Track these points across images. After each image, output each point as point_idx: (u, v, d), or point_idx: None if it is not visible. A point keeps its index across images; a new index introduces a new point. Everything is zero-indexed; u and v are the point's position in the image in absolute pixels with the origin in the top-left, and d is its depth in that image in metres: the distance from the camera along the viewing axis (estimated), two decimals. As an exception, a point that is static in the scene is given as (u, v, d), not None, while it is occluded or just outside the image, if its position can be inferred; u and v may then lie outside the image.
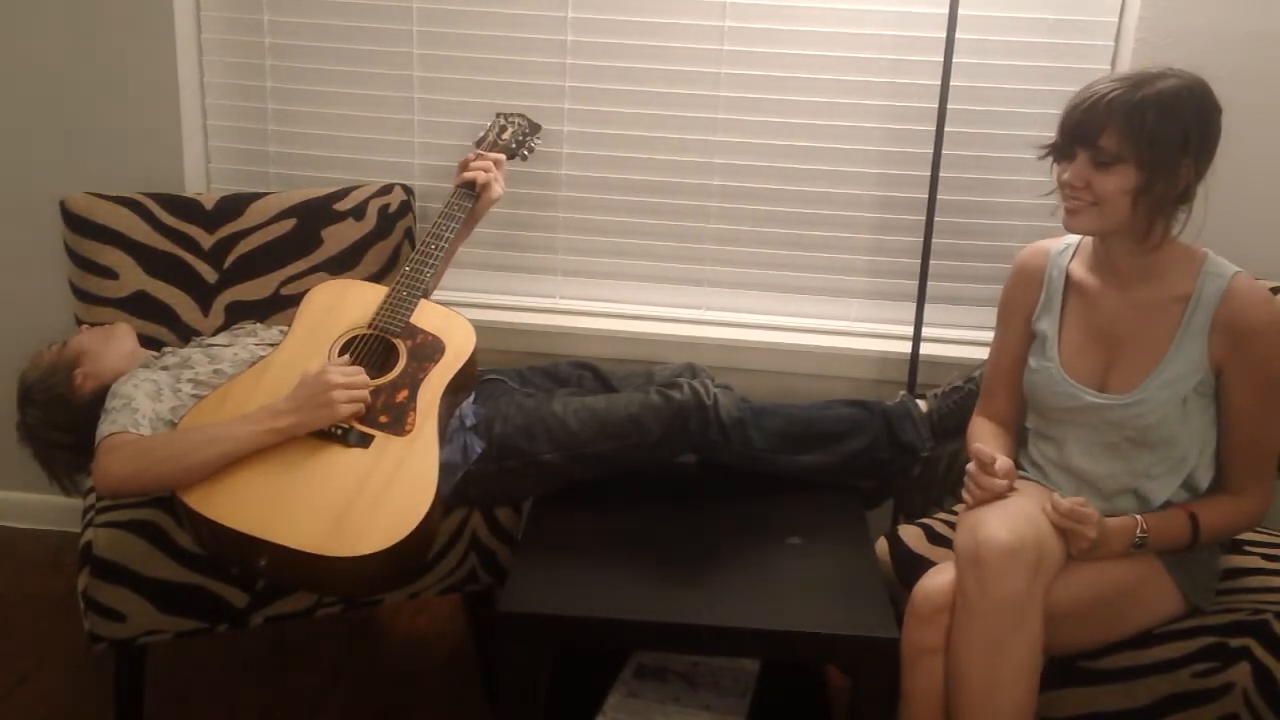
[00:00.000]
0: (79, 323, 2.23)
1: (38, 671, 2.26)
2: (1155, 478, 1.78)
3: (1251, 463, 1.76)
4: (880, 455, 2.08)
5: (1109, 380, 1.79)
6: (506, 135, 2.36)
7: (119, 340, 2.08)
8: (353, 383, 1.85)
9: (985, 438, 1.91)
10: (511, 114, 2.41)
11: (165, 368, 2.01)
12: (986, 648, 1.61)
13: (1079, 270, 1.85)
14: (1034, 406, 1.91)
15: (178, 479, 1.74)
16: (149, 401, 1.86)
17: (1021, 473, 1.92)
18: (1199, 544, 1.74)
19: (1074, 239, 1.89)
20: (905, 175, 2.44)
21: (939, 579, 1.71)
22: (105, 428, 1.80)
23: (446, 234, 2.16)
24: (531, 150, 2.38)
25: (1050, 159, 1.77)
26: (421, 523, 1.74)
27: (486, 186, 2.21)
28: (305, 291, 2.15)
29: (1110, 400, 1.77)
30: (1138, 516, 1.73)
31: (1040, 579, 1.62)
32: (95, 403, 1.93)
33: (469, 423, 1.99)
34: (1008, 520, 1.66)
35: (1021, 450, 1.96)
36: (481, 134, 2.36)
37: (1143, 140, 1.63)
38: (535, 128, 2.41)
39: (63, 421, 1.97)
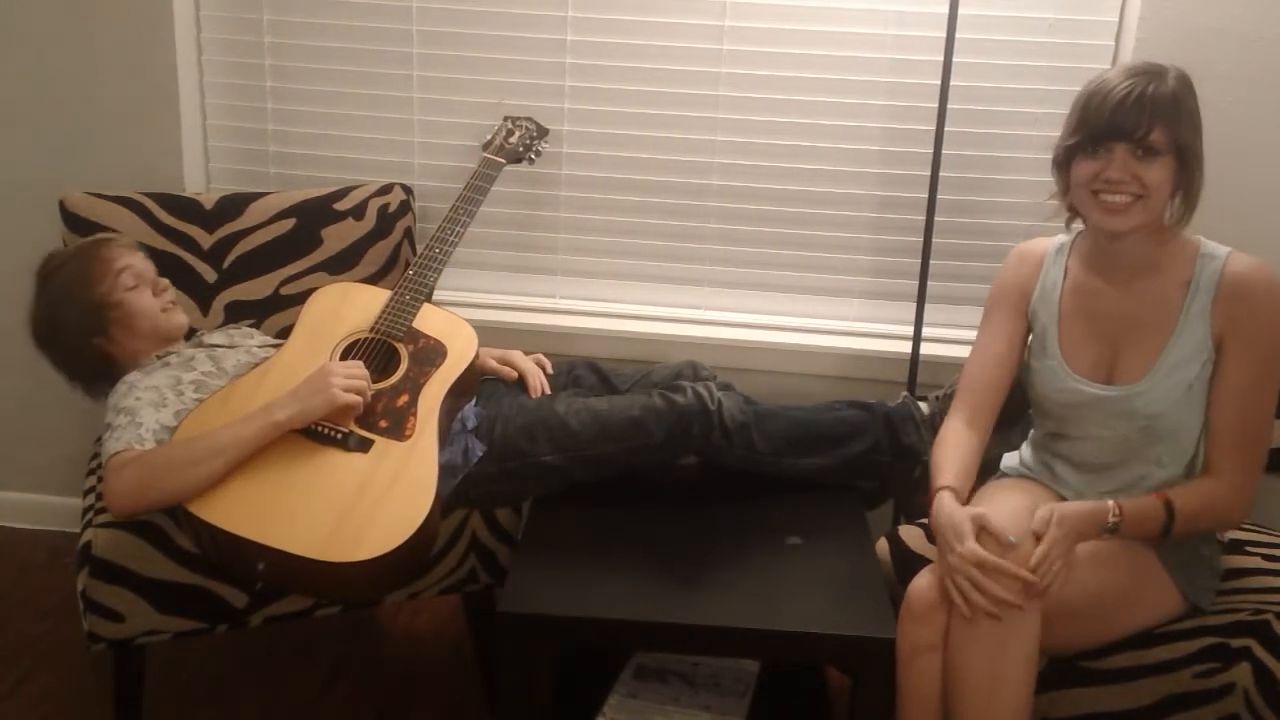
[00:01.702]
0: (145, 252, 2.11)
1: (37, 671, 2.26)
2: (1165, 466, 1.78)
3: (1236, 445, 1.73)
4: (882, 458, 2.08)
5: (1115, 374, 1.79)
6: (514, 139, 2.36)
7: (167, 331, 2.02)
8: (352, 373, 1.85)
9: (952, 451, 1.85)
10: (519, 118, 2.42)
11: (167, 365, 1.99)
12: (985, 645, 1.61)
13: (1076, 268, 1.85)
14: (1039, 408, 1.90)
15: (186, 491, 1.74)
16: (153, 412, 1.85)
17: (1024, 471, 1.92)
18: (1175, 532, 1.71)
19: (1066, 239, 1.89)
20: (905, 175, 2.44)
21: (932, 577, 1.71)
22: (110, 445, 1.78)
23: (452, 237, 2.16)
24: (539, 154, 2.39)
25: (1058, 160, 1.77)
26: (420, 528, 1.74)
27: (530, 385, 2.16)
28: (305, 291, 2.15)
29: (1118, 391, 1.77)
30: (1110, 502, 1.70)
31: None
32: (99, 361, 1.96)
33: (470, 425, 1.99)
34: (1008, 518, 1.66)
35: (1025, 452, 1.96)
36: (489, 137, 2.37)
37: (1182, 130, 1.68)
38: (543, 132, 2.41)
39: (64, 354, 1.99)
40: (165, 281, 2.06)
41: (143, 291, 2.00)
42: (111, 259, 1.99)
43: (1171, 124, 1.67)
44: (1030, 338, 1.90)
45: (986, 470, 2.02)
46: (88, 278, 1.97)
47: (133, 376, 1.94)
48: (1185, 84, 1.70)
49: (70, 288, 1.97)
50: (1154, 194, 1.69)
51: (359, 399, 1.84)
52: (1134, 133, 1.66)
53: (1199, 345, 1.73)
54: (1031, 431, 1.96)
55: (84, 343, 1.97)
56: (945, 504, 1.74)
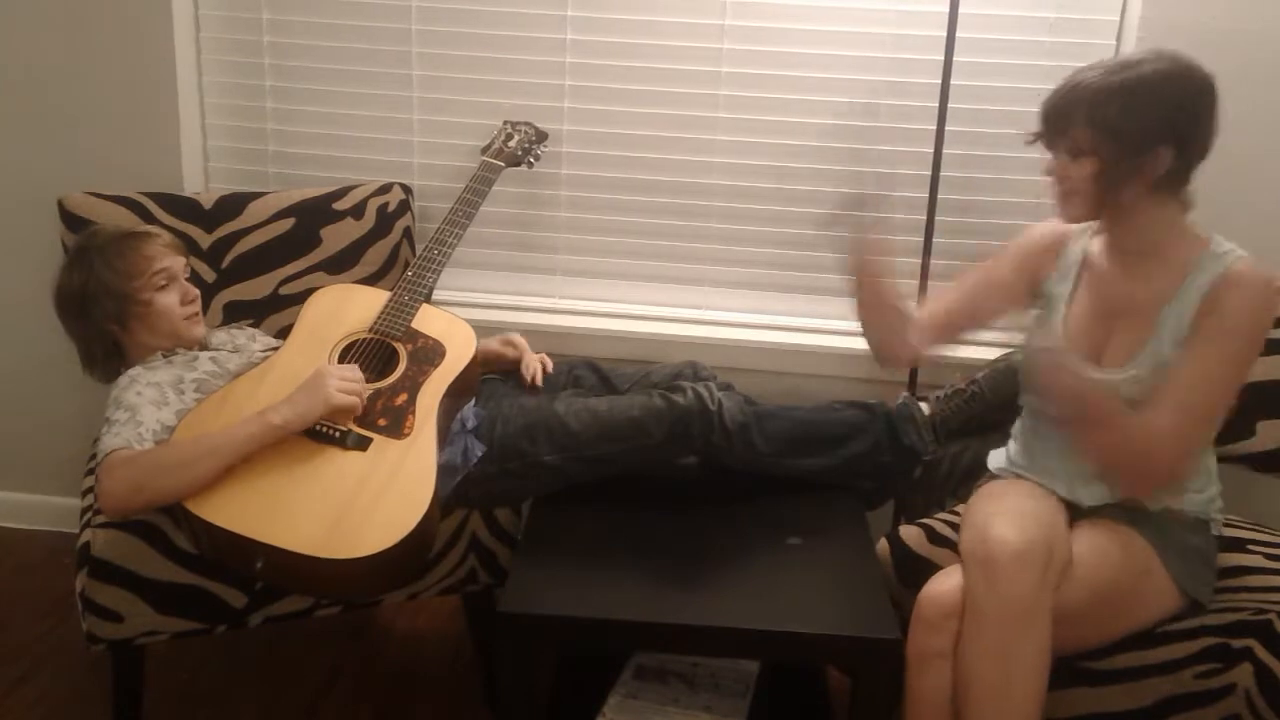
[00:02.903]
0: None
1: (37, 671, 2.26)
2: None
3: (1175, 399, 1.67)
4: (882, 458, 2.08)
5: (1103, 358, 1.79)
6: (513, 143, 2.36)
7: (183, 337, 2.02)
8: (347, 376, 1.85)
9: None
10: (519, 122, 2.42)
11: (170, 363, 1.99)
12: (996, 650, 1.60)
13: (1095, 250, 1.85)
14: (1029, 379, 1.89)
15: (180, 492, 1.74)
16: (154, 410, 1.85)
17: (1018, 471, 1.92)
18: (1090, 419, 1.67)
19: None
20: (906, 175, 2.43)
21: (946, 583, 1.70)
22: (108, 441, 1.78)
23: (451, 239, 2.16)
24: (538, 158, 2.39)
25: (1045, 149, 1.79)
26: (418, 525, 1.74)
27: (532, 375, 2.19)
28: (304, 291, 2.15)
29: (1103, 375, 1.76)
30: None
31: (1049, 580, 1.62)
32: (104, 346, 1.97)
33: (470, 425, 1.99)
34: (1017, 521, 1.66)
35: (1011, 448, 1.95)
36: (489, 141, 2.36)
37: (1105, 131, 1.65)
38: (542, 136, 2.41)
39: (72, 311, 1.98)
40: (195, 291, 2.05)
41: (171, 294, 2.01)
42: (152, 257, 1.99)
43: (1091, 123, 1.64)
44: (1036, 311, 1.90)
45: (977, 470, 2.02)
46: (125, 268, 1.97)
47: (135, 371, 1.94)
48: (1149, 82, 1.63)
49: (105, 271, 1.97)
50: (1081, 189, 1.70)
51: (355, 400, 1.84)
52: (1056, 128, 1.70)
53: (1177, 339, 1.72)
54: (1017, 422, 1.96)
55: (101, 326, 1.98)
56: None
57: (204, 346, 2.08)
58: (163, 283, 1.99)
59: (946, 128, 2.24)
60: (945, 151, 2.26)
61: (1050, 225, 1.91)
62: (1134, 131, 1.64)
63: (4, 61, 2.49)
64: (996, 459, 1.99)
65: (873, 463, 2.08)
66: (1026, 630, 1.60)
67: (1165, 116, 1.64)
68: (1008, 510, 1.70)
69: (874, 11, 2.35)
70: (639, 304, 2.60)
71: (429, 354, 2.00)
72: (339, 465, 1.79)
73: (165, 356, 2.00)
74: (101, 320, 1.97)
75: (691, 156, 2.49)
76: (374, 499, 1.76)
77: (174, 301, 2.00)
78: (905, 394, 2.21)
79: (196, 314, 2.05)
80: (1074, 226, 1.88)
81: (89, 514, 1.92)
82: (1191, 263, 1.72)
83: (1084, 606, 1.67)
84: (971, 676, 1.63)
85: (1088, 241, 1.87)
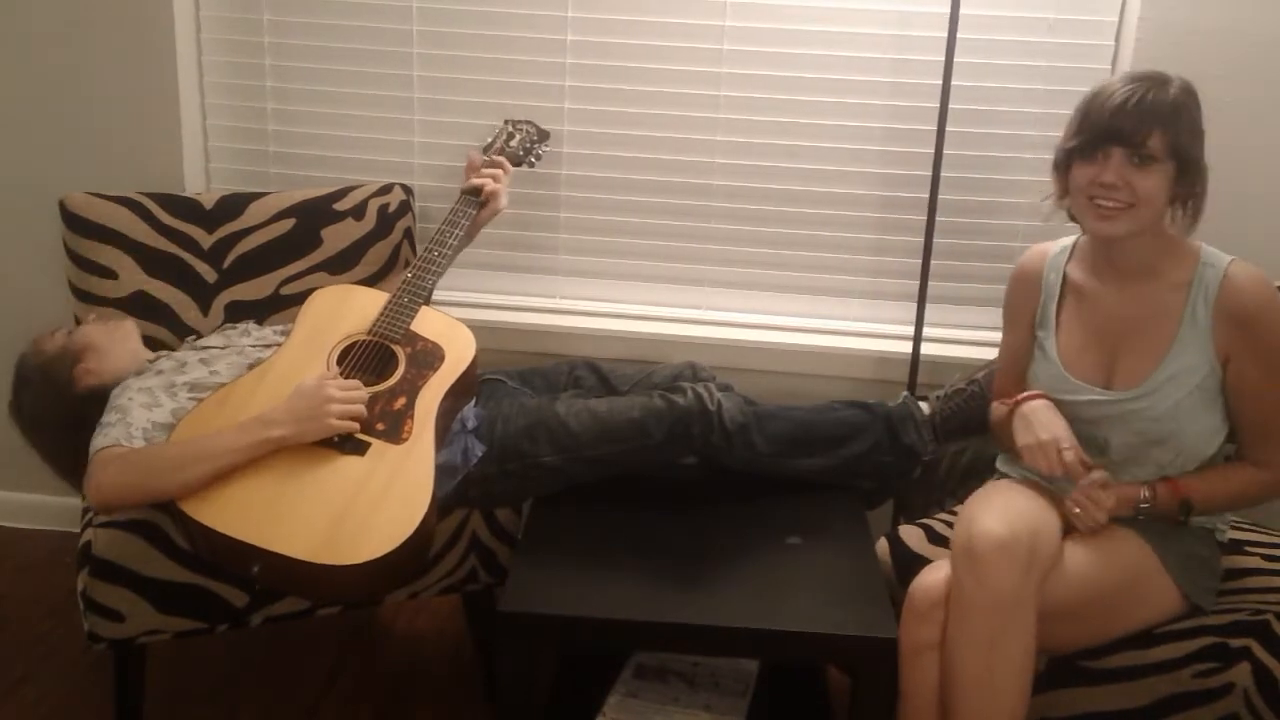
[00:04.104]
0: (77, 322, 2.22)
1: (38, 671, 2.26)
2: (1166, 469, 1.78)
3: (1268, 439, 1.74)
4: (882, 458, 2.08)
5: (1114, 378, 1.79)
6: (514, 142, 2.35)
7: (125, 338, 2.07)
8: (349, 397, 1.84)
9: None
10: (520, 121, 2.41)
11: (160, 372, 2.00)
12: (981, 641, 1.62)
13: (1076, 272, 1.86)
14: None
15: (173, 492, 1.73)
16: (144, 412, 1.85)
17: (1026, 473, 1.92)
18: (1201, 513, 1.75)
19: (1070, 241, 1.89)
20: (906, 175, 2.44)
21: (935, 575, 1.72)
22: (99, 441, 1.79)
23: (450, 240, 2.15)
24: (539, 158, 2.38)
25: (1058, 163, 1.77)
26: (415, 531, 1.74)
27: (494, 196, 2.19)
28: (305, 291, 2.15)
29: (1115, 396, 1.77)
30: (1143, 490, 1.74)
31: (1034, 573, 1.62)
32: (91, 399, 1.94)
33: (470, 425, 1.99)
34: (1002, 515, 1.67)
35: None
36: (490, 139, 2.36)
37: (1182, 138, 1.67)
38: (544, 135, 2.41)
39: (56, 413, 1.97)
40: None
41: (81, 327, 2.07)
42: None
43: (1170, 131, 1.66)
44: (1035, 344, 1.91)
45: (978, 470, 2.03)
46: (38, 353, 2.02)
47: (129, 379, 1.96)
48: (1188, 93, 1.70)
49: (32, 362, 2.01)
50: (1145, 203, 1.69)
51: (354, 425, 1.83)
52: (1131, 137, 1.66)
53: (1200, 357, 1.73)
54: None
55: (68, 376, 1.98)
56: (1043, 404, 1.81)
57: (192, 346, 2.10)
58: (66, 330, 2.06)
59: (947, 129, 2.24)
60: (946, 152, 2.26)
61: (1021, 263, 1.93)
62: (1197, 139, 1.70)
63: (5, 62, 2.49)
64: (1006, 459, 2.00)
65: (872, 463, 2.08)
66: (1010, 621, 1.60)
67: (1200, 126, 1.71)
68: (996, 505, 1.71)
69: (874, 12, 2.36)
70: (639, 304, 2.60)
71: (428, 357, 2.00)
72: (336, 470, 1.79)
73: (152, 364, 2.03)
74: (62, 385, 1.98)
75: (692, 157, 2.49)
76: (371, 504, 1.75)
77: (91, 323, 2.07)
78: (905, 394, 2.21)
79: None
80: (1049, 254, 1.89)
81: (90, 514, 1.92)
82: (1190, 276, 1.73)
83: (1078, 604, 1.68)
84: (957, 666, 1.64)
85: (1063, 265, 1.87)
